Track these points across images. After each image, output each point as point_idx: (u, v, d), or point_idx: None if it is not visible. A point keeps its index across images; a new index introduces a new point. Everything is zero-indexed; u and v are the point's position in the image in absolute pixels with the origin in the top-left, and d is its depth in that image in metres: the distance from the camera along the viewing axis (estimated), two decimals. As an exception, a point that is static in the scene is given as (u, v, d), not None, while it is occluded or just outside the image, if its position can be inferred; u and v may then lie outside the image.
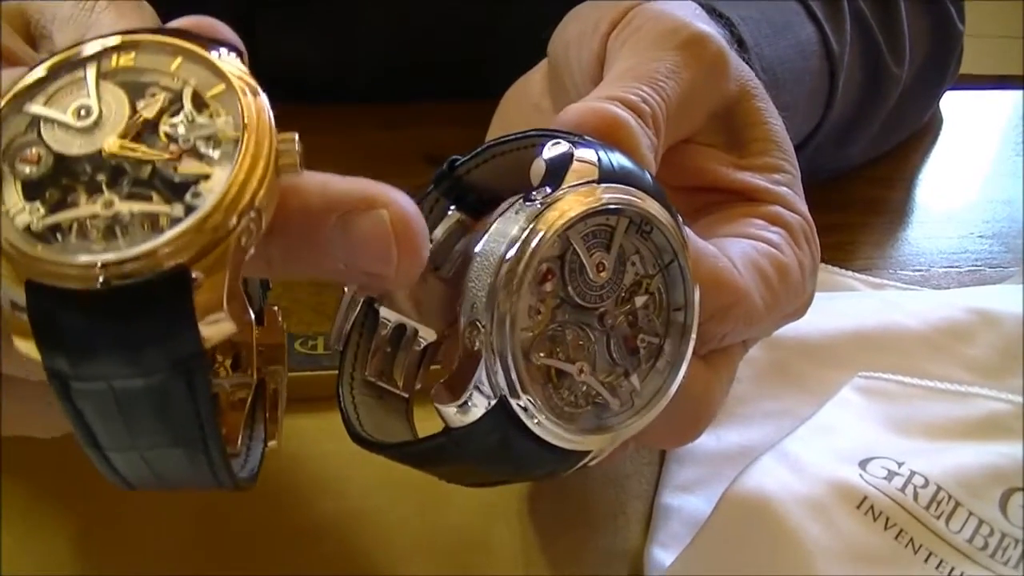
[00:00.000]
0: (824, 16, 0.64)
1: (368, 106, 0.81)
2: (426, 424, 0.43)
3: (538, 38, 0.59)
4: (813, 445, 0.49)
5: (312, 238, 0.31)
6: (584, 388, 0.38)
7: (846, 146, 0.74)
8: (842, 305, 0.60)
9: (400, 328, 0.44)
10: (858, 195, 0.77)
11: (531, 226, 0.35)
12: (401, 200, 0.31)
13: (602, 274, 0.38)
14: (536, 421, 0.36)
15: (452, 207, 0.44)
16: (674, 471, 0.52)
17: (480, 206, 0.43)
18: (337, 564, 0.49)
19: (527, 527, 0.50)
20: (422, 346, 0.44)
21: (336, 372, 0.55)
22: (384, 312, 0.43)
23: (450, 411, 0.36)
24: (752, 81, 0.47)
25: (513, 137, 0.41)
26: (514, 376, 0.35)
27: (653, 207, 0.38)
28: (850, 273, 0.67)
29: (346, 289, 0.43)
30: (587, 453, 0.38)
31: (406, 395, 0.44)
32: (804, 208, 0.46)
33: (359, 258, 0.31)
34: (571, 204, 0.36)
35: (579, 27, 0.49)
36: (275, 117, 0.32)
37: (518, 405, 0.35)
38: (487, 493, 0.50)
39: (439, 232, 0.43)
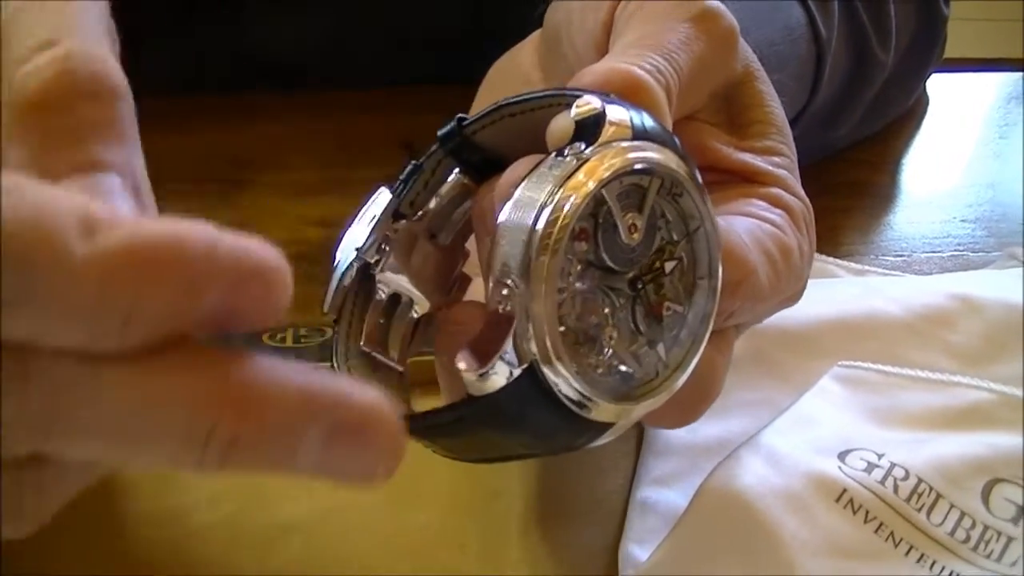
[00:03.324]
0: None
1: (345, 91, 0.80)
2: (418, 403, 0.42)
3: (520, 23, 0.58)
4: (791, 437, 0.48)
5: (280, 455, 0.27)
6: (610, 356, 0.37)
7: (830, 131, 0.73)
8: (823, 292, 0.58)
9: (395, 297, 0.42)
10: (840, 179, 0.76)
11: (568, 182, 0.33)
12: (382, 409, 0.28)
13: (634, 236, 0.36)
14: (564, 389, 0.34)
15: (457, 170, 0.42)
16: (651, 464, 0.51)
17: (486, 169, 0.42)
18: (305, 564, 0.47)
19: (499, 523, 0.49)
20: (416, 317, 0.43)
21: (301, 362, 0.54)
22: (381, 279, 0.42)
23: (473, 377, 0.34)
24: (755, 63, 0.46)
25: (526, 97, 0.39)
26: (548, 341, 0.33)
27: (683, 170, 0.37)
28: (831, 259, 0.66)
29: (338, 254, 0.41)
30: (608, 426, 0.36)
31: (400, 368, 0.43)
32: (802, 192, 0.45)
33: (335, 469, 0.28)
34: (607, 161, 0.34)
35: None
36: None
37: (549, 371, 0.33)
38: (458, 491, 0.49)
39: (440, 195, 0.42)
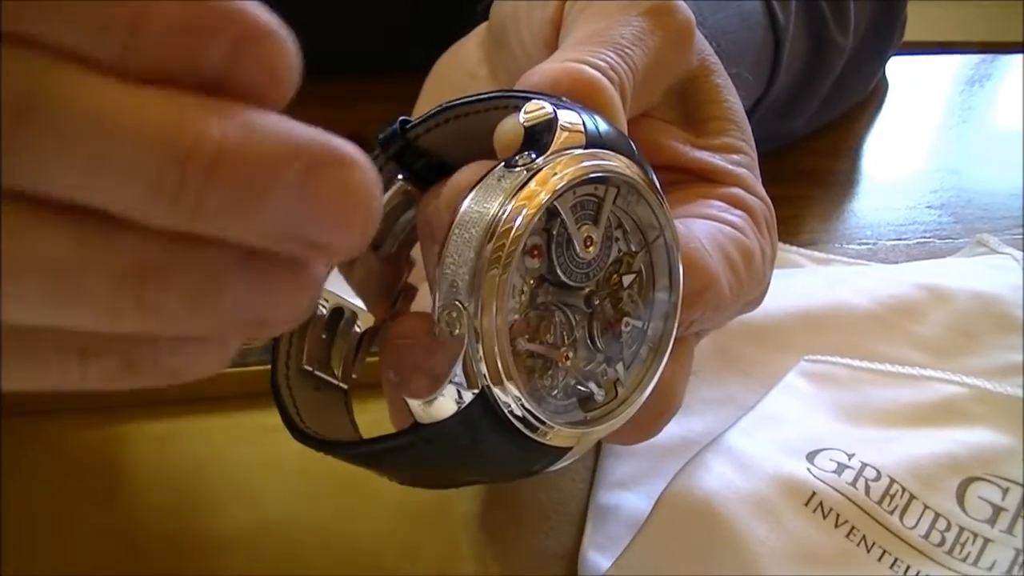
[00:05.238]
0: None
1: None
2: (364, 418, 0.41)
3: (467, 10, 0.56)
4: (757, 438, 0.46)
5: (260, 189, 0.25)
6: (566, 377, 0.35)
7: (790, 118, 0.72)
8: (787, 283, 0.57)
9: (337, 311, 0.40)
10: (801, 166, 0.75)
11: (519, 193, 0.31)
12: (366, 160, 0.26)
13: (590, 249, 0.34)
14: (519, 414, 0.32)
15: (399, 176, 0.40)
16: (611, 466, 0.49)
17: (429, 174, 0.40)
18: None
19: (453, 531, 0.47)
20: (360, 331, 0.41)
21: (244, 368, 0.52)
22: (322, 293, 0.40)
23: (421, 405, 0.32)
24: (712, 56, 0.44)
25: (472, 99, 0.37)
26: (499, 361, 0.31)
27: (640, 177, 0.34)
28: (795, 248, 0.64)
29: None
30: (565, 450, 0.34)
31: (344, 386, 0.41)
32: (763, 192, 0.43)
33: (311, 220, 0.25)
34: (560, 171, 0.32)
35: None
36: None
37: (501, 397, 0.31)
38: (410, 497, 0.47)
39: (383, 204, 0.40)
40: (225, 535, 0.47)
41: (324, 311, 0.40)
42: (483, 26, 0.52)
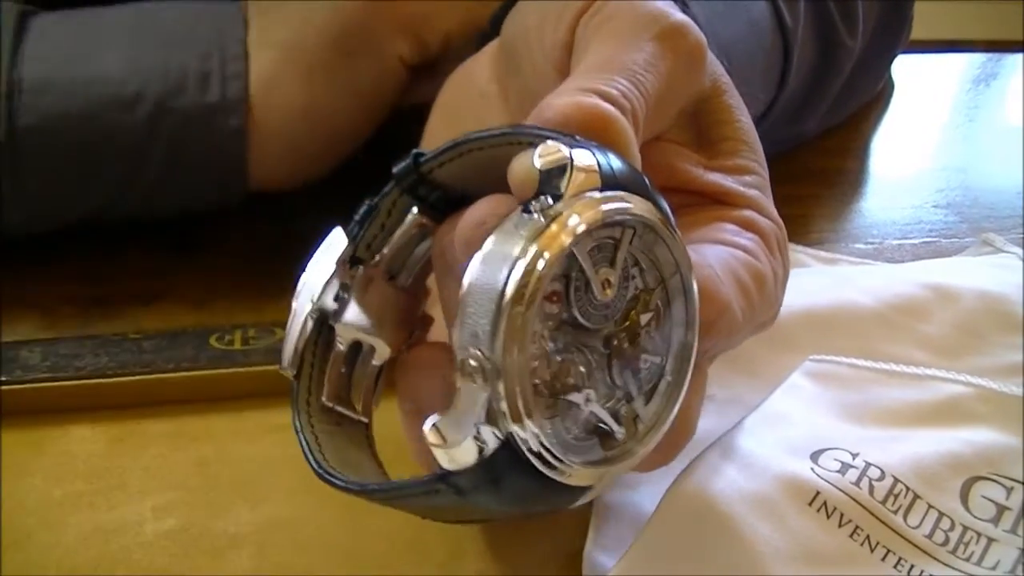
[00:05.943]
0: None
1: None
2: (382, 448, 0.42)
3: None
4: (762, 437, 0.46)
5: None
6: (587, 418, 0.35)
7: (799, 122, 0.72)
8: (793, 283, 0.56)
9: (356, 345, 0.41)
10: (808, 166, 0.75)
11: (536, 243, 0.32)
12: None
13: (607, 292, 0.34)
14: (542, 458, 0.32)
15: (414, 208, 0.40)
16: (616, 466, 0.49)
17: (444, 206, 0.40)
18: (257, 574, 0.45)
19: (459, 531, 0.47)
20: (379, 365, 0.41)
21: (248, 367, 0.52)
22: (340, 329, 0.40)
23: (445, 452, 0.32)
24: (724, 76, 0.44)
25: (486, 134, 0.37)
26: (520, 402, 0.31)
27: (656, 216, 0.35)
28: (801, 248, 0.64)
29: (296, 304, 0.39)
30: (586, 488, 0.35)
31: (365, 420, 0.42)
32: (775, 213, 0.43)
33: None
34: (577, 217, 0.32)
35: (540, 12, 0.46)
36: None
37: (524, 442, 0.32)
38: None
39: (398, 236, 0.41)
40: (229, 534, 0.47)
41: (342, 347, 0.40)
42: (493, 43, 0.52)
